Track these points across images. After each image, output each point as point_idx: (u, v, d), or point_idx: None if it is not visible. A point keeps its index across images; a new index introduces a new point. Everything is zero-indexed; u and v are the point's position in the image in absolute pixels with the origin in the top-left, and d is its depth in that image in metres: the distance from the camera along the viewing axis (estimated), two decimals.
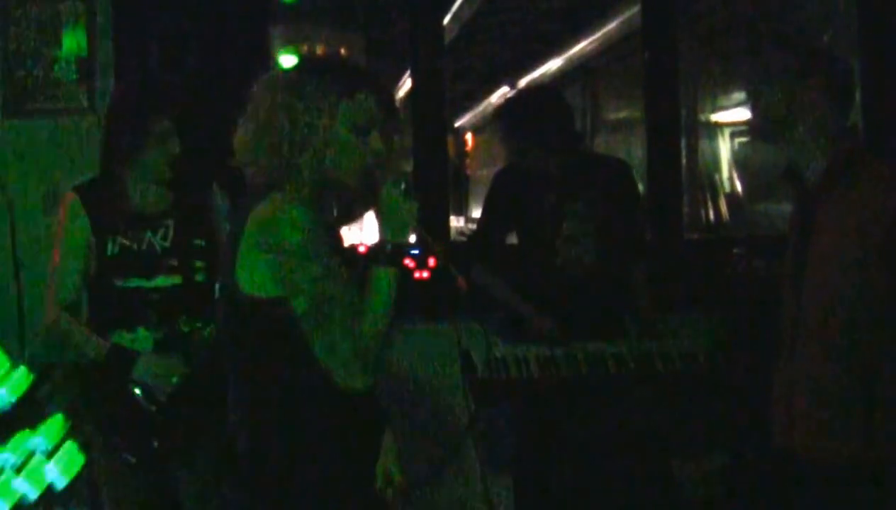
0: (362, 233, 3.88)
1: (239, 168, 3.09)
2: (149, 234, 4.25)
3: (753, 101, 3.79)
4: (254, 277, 2.94)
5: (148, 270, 4.21)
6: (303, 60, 3.23)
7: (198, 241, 4.27)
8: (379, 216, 3.05)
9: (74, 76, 5.92)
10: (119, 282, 4.18)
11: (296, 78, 3.06)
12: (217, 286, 3.17)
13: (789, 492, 3.79)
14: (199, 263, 4.25)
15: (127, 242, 4.21)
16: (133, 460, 4.14)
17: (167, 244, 4.26)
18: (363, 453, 3.22)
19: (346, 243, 3.31)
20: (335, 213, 3.21)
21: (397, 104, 3.25)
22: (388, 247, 2.99)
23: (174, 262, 4.21)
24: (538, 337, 5.20)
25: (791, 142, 3.61)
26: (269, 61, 6.41)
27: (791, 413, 3.63)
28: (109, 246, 4.20)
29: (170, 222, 4.29)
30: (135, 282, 4.18)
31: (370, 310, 2.94)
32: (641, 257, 5.48)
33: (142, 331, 4.18)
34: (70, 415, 4.40)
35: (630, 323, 5.40)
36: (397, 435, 3.52)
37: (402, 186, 3.01)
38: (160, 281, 4.20)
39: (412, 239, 3.11)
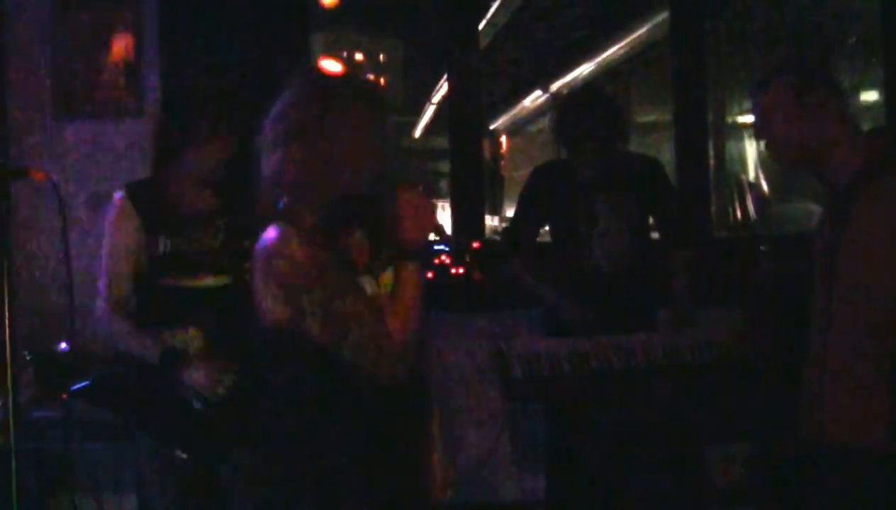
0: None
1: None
2: (199, 233, 4.24)
3: (770, 148, 3.77)
4: (267, 304, 3.02)
5: (198, 270, 4.21)
6: (302, 84, 3.14)
7: (247, 243, 4.02)
8: (398, 218, 3.07)
9: (122, 80, 6.07)
10: (170, 282, 4.18)
11: (298, 103, 3.06)
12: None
13: (815, 481, 3.78)
14: (247, 264, 4.13)
15: (178, 242, 4.20)
16: (184, 456, 4.12)
17: (217, 244, 4.25)
18: (399, 447, 3.23)
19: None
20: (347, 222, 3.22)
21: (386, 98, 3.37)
22: (412, 247, 3.07)
23: (223, 262, 4.20)
24: (572, 326, 5.28)
25: (822, 160, 3.61)
26: (310, 67, 6.52)
27: (819, 404, 3.64)
28: (161, 245, 4.19)
29: (220, 223, 4.27)
30: (185, 282, 4.19)
31: (400, 308, 3.04)
32: (682, 245, 5.54)
33: (192, 330, 4.18)
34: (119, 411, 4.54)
35: (663, 315, 5.50)
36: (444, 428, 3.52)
37: (420, 187, 3.09)
38: (210, 280, 4.20)
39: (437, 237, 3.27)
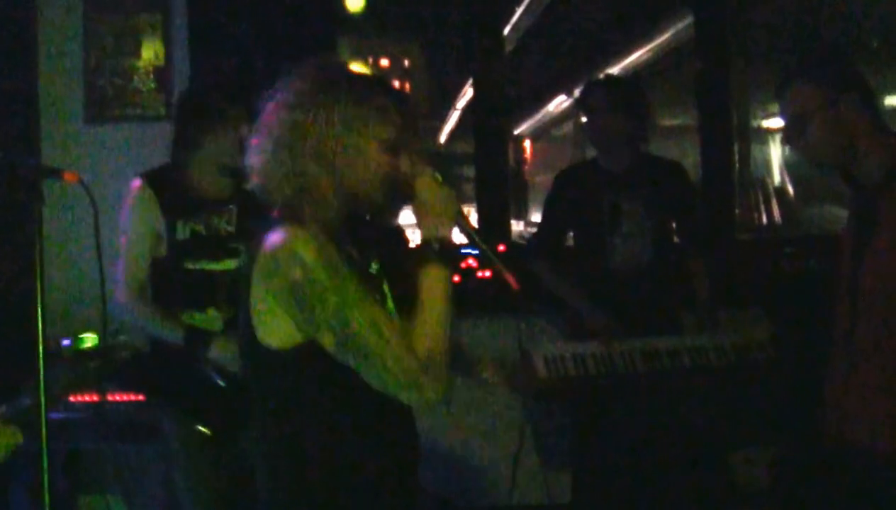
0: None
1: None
2: (215, 218, 4.42)
3: (798, 148, 3.74)
4: (273, 327, 2.70)
5: (216, 253, 4.37)
6: (316, 72, 2.83)
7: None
8: (416, 213, 2.84)
9: (152, 85, 6.14)
10: (189, 265, 4.35)
11: (314, 94, 2.75)
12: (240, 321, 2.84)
13: (839, 484, 3.79)
14: None
15: (196, 227, 4.37)
16: (208, 432, 4.29)
17: (231, 228, 4.42)
18: (402, 474, 2.91)
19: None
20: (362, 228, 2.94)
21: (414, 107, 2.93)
22: (436, 245, 2.80)
23: (239, 246, 4.31)
24: (596, 333, 5.29)
25: (849, 160, 3.63)
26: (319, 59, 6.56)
27: (842, 408, 3.65)
28: (179, 230, 4.36)
29: (233, 207, 4.43)
30: (204, 265, 4.36)
31: (425, 320, 2.74)
32: (701, 253, 5.58)
33: (211, 311, 4.37)
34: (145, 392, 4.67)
35: (687, 318, 5.51)
36: None
37: (437, 176, 2.83)
38: (227, 263, 4.34)
39: (459, 237, 2.91)
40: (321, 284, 2.62)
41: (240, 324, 2.80)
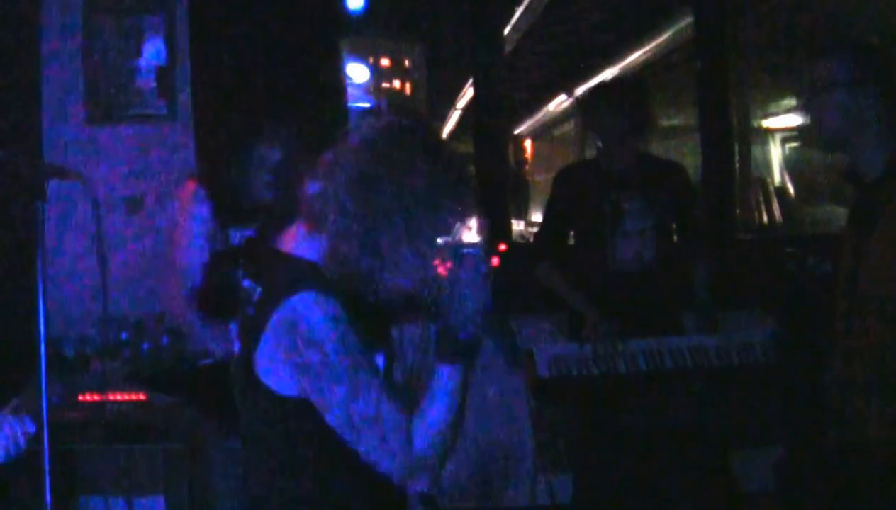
0: None
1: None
2: (262, 226, 4.28)
3: (809, 115, 3.75)
4: (275, 373, 2.63)
5: None
6: (375, 131, 2.66)
7: None
8: (450, 296, 2.57)
9: (154, 85, 6.15)
10: (240, 273, 4.28)
11: (391, 150, 2.61)
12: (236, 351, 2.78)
13: (844, 484, 3.76)
14: None
15: (248, 234, 4.30)
16: None
17: None
18: None
19: None
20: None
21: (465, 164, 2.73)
22: (458, 336, 2.57)
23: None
24: (597, 335, 5.26)
25: (852, 149, 3.64)
26: (338, 71, 6.57)
27: (841, 407, 3.63)
28: (237, 235, 4.30)
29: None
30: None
31: (429, 415, 2.59)
32: (701, 254, 5.57)
33: None
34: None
35: (687, 318, 5.49)
36: None
37: (483, 268, 2.57)
38: None
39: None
40: (336, 370, 2.53)
41: (239, 354, 2.74)
